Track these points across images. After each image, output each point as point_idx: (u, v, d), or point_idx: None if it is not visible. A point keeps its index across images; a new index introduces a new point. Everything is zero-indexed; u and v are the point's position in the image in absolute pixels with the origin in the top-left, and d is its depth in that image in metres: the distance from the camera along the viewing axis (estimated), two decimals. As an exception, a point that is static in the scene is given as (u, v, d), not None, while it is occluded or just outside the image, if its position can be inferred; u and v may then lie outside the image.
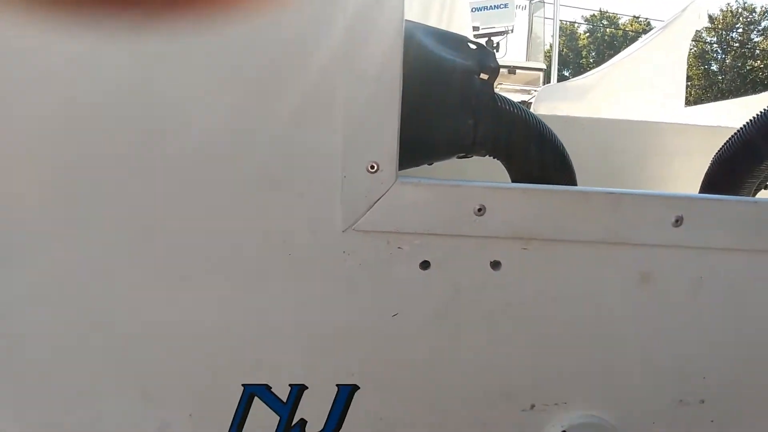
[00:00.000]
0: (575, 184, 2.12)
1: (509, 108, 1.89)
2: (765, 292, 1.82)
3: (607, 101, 7.39)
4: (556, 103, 7.97)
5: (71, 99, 1.55)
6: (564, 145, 2.09)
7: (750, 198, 2.13)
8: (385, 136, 1.56)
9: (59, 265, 1.65)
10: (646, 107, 7.10)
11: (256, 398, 1.74)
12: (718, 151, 2.47)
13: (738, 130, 2.37)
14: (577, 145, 3.26)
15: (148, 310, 1.66)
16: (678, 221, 1.70)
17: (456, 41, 1.82)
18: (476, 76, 1.78)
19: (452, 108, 1.80)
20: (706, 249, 1.76)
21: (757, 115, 2.31)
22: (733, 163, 2.42)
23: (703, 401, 1.92)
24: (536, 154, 1.94)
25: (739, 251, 1.78)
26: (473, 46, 1.81)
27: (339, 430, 1.79)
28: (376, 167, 1.56)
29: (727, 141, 2.42)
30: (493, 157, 1.99)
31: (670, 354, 1.87)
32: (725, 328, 1.86)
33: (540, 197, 1.68)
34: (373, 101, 1.55)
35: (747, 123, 2.34)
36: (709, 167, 2.52)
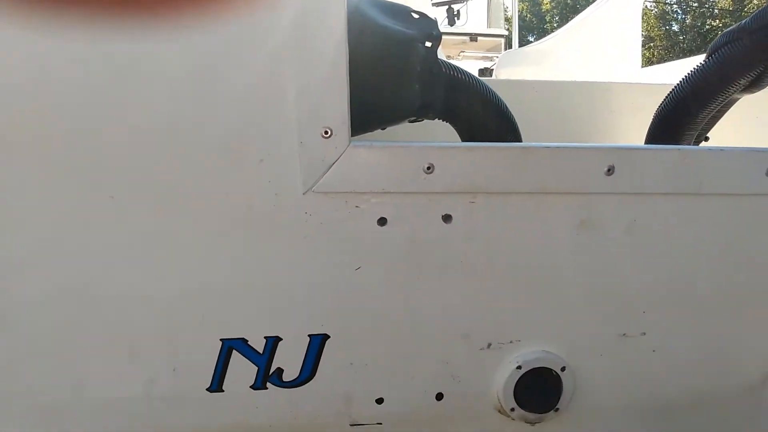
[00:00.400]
0: (520, 141, 2.28)
1: (453, 73, 2.03)
2: (691, 230, 2.01)
3: (564, 64, 7.58)
4: (517, 68, 8.14)
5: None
6: (508, 106, 2.25)
7: (673, 146, 2.32)
8: (336, 103, 1.69)
9: (44, 226, 1.74)
10: (602, 69, 7.30)
11: (234, 351, 1.88)
12: (659, 107, 2.65)
13: (673, 88, 2.55)
14: (529, 107, 3.44)
15: (131, 272, 1.79)
16: (610, 170, 1.87)
17: (400, 12, 1.95)
18: (420, 44, 1.91)
19: (398, 75, 1.94)
20: (637, 194, 1.94)
21: (689, 73, 2.49)
22: (670, 118, 2.61)
23: (644, 333, 2.12)
24: (481, 115, 2.09)
25: (666, 195, 1.96)
26: (416, 16, 1.94)
27: (313, 376, 1.95)
28: (329, 133, 1.70)
29: (665, 98, 2.60)
30: (443, 120, 2.14)
31: (611, 292, 2.05)
32: (659, 265, 2.05)
33: (484, 154, 1.84)
34: (322, 72, 1.68)
35: (680, 81, 2.53)
36: (651, 122, 2.70)
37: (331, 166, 1.72)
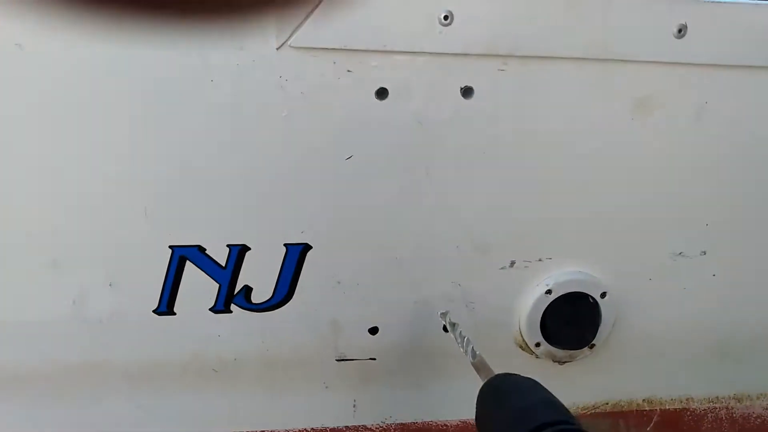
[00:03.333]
0: None
1: None
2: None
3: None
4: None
5: None
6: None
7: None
8: None
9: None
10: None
11: (188, 263, 1.46)
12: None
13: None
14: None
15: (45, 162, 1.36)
16: (681, 31, 1.42)
17: None
18: None
19: None
20: (714, 67, 1.49)
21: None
22: None
23: (704, 253, 1.70)
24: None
25: (751, 69, 1.51)
26: None
27: (290, 297, 1.53)
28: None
29: None
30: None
31: (669, 196, 1.62)
32: (731, 165, 1.62)
33: (518, 2, 1.37)
34: None
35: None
36: None
37: (314, 10, 1.25)
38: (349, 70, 1.36)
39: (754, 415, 1.98)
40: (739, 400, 1.96)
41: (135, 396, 1.62)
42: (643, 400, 1.91)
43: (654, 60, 1.45)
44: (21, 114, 1.32)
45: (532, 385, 1.26)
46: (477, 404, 1.29)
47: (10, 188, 1.37)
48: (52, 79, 1.30)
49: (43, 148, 1.37)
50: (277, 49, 1.31)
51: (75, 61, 1.29)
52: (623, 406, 1.90)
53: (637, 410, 1.91)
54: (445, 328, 1.65)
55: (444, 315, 1.61)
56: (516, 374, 1.32)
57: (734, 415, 1.97)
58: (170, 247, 1.44)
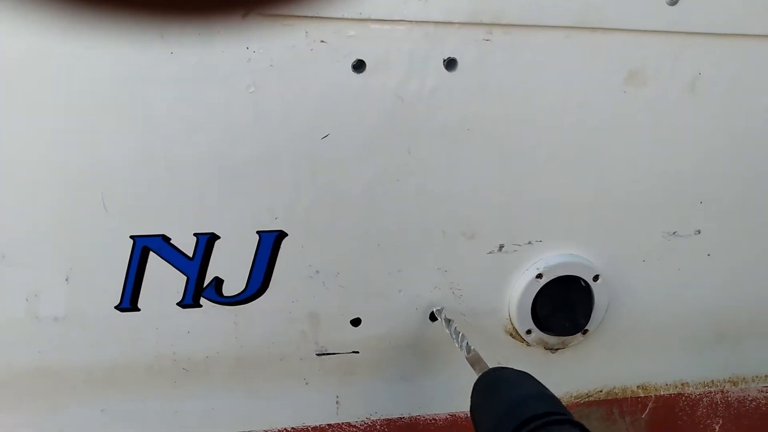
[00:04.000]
0: None
1: None
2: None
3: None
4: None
5: None
6: None
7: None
8: None
9: None
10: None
11: (151, 254, 1.33)
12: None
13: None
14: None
15: None
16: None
17: None
18: None
19: None
20: (708, 36, 1.40)
21: None
22: None
23: (699, 232, 1.62)
24: None
25: (749, 38, 1.43)
26: None
27: (265, 289, 1.42)
28: None
29: None
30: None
31: (663, 172, 1.54)
32: (727, 139, 1.54)
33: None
34: None
35: None
36: None
37: (281, -27, 1.15)
38: (322, 41, 1.25)
39: (750, 398, 1.92)
40: (734, 383, 1.90)
41: (98, 401, 1.50)
42: (638, 386, 1.84)
43: (646, 29, 1.36)
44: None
45: (525, 377, 1.25)
46: (471, 398, 1.27)
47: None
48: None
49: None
50: (243, 16, 1.20)
51: (21, 45, 1.16)
52: (617, 394, 1.82)
53: (631, 397, 1.83)
54: (432, 317, 1.55)
55: (439, 312, 1.53)
56: (509, 368, 1.30)
57: (729, 398, 1.90)
58: (131, 237, 1.33)
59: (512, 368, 1.28)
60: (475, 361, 1.37)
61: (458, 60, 1.33)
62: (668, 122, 1.48)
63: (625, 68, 1.41)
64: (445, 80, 1.33)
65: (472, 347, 1.41)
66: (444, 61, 1.32)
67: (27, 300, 1.35)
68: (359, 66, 1.29)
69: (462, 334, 1.45)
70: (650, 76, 1.42)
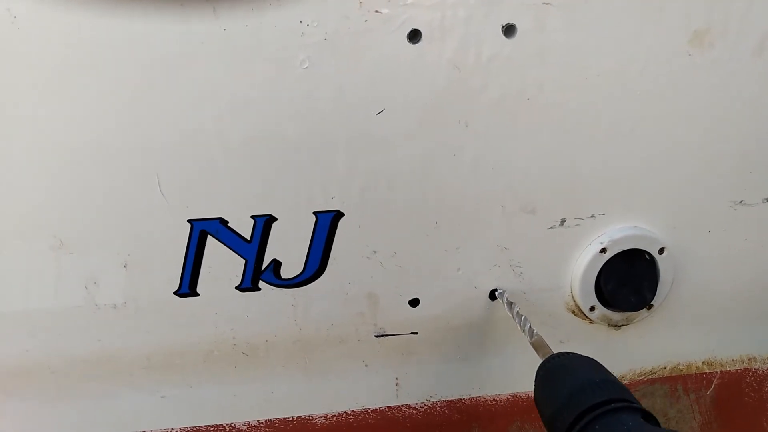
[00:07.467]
0: None
1: None
2: None
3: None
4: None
5: None
6: None
7: None
8: None
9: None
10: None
11: (209, 237, 1.31)
12: None
13: None
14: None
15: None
16: (746, -52, 1.26)
17: None
18: None
19: None
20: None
21: None
22: None
23: (766, 200, 1.55)
24: None
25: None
26: None
27: (323, 270, 1.39)
28: None
29: None
30: None
31: (729, 138, 1.47)
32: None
33: None
34: None
35: None
36: None
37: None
38: (377, 11, 1.21)
39: (820, 373, 1.85)
40: (804, 357, 1.82)
41: (157, 387, 1.50)
42: (703, 362, 1.78)
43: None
44: (20, 88, 1.18)
45: (587, 363, 1.20)
46: (535, 385, 1.23)
47: (7, 164, 1.23)
48: (51, 50, 1.15)
49: (44, 122, 1.22)
50: (295, -11, 1.16)
51: (72, 32, 1.14)
52: (682, 370, 1.77)
53: (696, 373, 1.77)
54: (491, 296, 1.51)
55: (501, 294, 1.49)
56: (573, 353, 1.24)
57: (798, 373, 1.83)
58: (189, 221, 1.31)
59: (576, 354, 1.23)
60: (538, 345, 1.33)
61: (517, 26, 1.28)
62: (735, 85, 1.41)
63: (690, 28, 1.34)
64: (504, 47, 1.28)
65: (535, 330, 1.37)
66: (502, 27, 1.27)
67: (86, 288, 1.34)
68: (414, 36, 1.25)
69: (524, 318, 1.40)
70: (717, 37, 1.35)
